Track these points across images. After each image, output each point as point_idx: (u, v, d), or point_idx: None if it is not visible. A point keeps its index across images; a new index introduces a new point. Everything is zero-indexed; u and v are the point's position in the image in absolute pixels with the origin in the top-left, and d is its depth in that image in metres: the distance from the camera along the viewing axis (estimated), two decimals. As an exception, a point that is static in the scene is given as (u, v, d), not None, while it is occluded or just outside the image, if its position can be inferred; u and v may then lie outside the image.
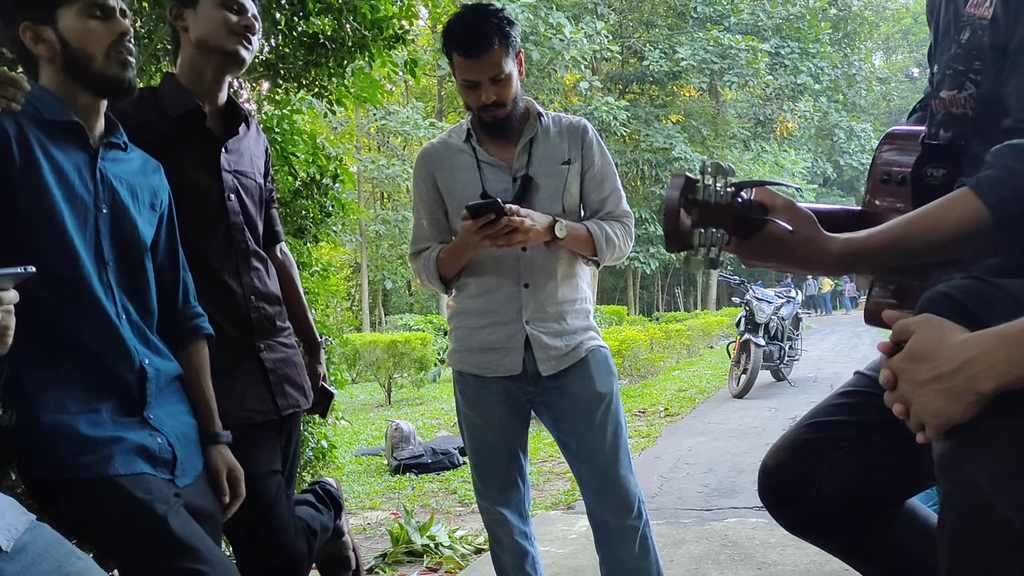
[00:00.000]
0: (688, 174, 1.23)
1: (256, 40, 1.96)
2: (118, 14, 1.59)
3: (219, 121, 2.00)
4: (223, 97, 2.00)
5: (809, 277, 28.06)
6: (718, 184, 1.19)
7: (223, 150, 1.96)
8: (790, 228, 1.21)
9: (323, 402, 2.33)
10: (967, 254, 1.19)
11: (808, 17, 26.50)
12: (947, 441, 1.02)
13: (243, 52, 1.92)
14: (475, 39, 2.04)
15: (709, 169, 1.19)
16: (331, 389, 2.36)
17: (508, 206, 2.00)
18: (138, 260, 1.66)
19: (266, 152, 2.17)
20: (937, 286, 1.13)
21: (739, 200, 1.21)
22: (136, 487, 1.51)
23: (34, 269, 1.21)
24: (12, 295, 1.21)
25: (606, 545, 2.24)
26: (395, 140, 25.47)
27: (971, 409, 0.96)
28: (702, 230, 1.18)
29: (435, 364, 12.99)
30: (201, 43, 1.91)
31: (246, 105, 3.67)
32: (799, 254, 1.23)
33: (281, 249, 2.25)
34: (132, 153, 1.71)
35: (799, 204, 1.26)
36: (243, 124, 2.03)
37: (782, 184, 1.25)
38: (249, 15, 1.92)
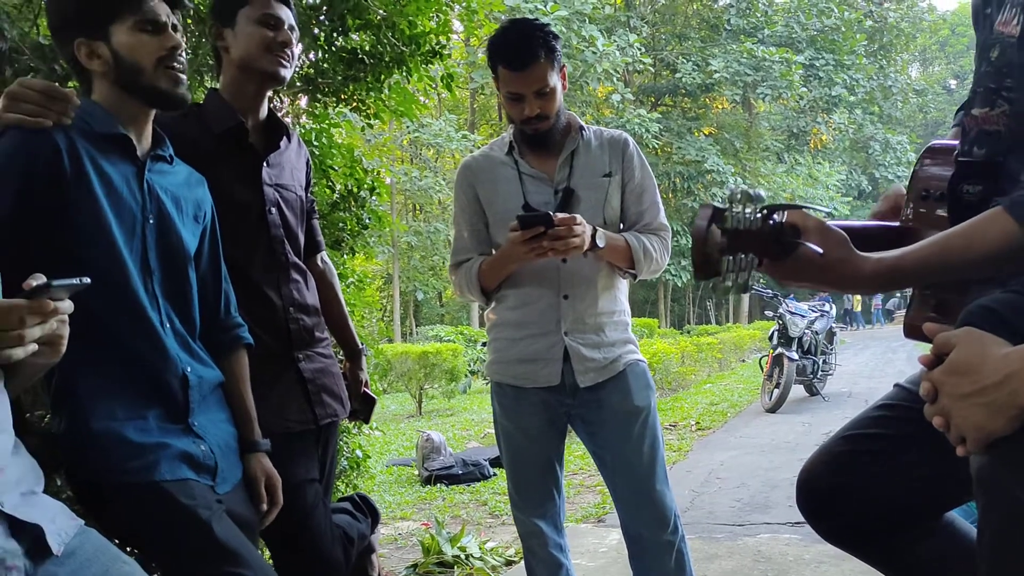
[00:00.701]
0: (715, 204, 1.24)
1: (295, 53, 1.99)
2: (169, 29, 1.63)
3: (261, 135, 2.03)
4: (264, 112, 2.04)
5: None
6: (747, 210, 1.20)
7: (265, 164, 2.00)
8: (820, 251, 1.21)
9: (365, 408, 2.36)
10: (1003, 272, 1.18)
11: (843, 29, 26.33)
12: (987, 455, 1.02)
13: (282, 71, 1.95)
14: (521, 52, 2.07)
15: (738, 196, 1.20)
16: (373, 395, 2.38)
17: (560, 215, 2.02)
18: (182, 270, 1.70)
19: (307, 164, 2.20)
20: (978, 300, 1.13)
21: (771, 223, 1.22)
22: (181, 493, 1.54)
23: (89, 280, 1.24)
24: (67, 305, 1.24)
25: (641, 560, 2.24)
26: (427, 152, 25.62)
27: (1013, 423, 0.96)
28: (731, 257, 1.20)
29: (465, 375, 13.02)
30: (241, 63, 1.95)
31: (286, 119, 3.73)
32: (832, 275, 1.23)
33: (322, 258, 2.29)
34: (178, 166, 1.75)
35: (832, 224, 1.26)
36: (285, 137, 2.07)
37: (814, 207, 1.26)
38: (285, 28, 1.95)
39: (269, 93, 2.04)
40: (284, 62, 1.95)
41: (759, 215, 1.20)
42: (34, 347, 1.20)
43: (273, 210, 1.99)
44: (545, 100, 2.12)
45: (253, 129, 2.00)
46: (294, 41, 1.99)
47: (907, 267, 1.21)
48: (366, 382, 2.37)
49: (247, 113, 1.98)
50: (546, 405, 2.22)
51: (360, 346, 2.38)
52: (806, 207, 1.25)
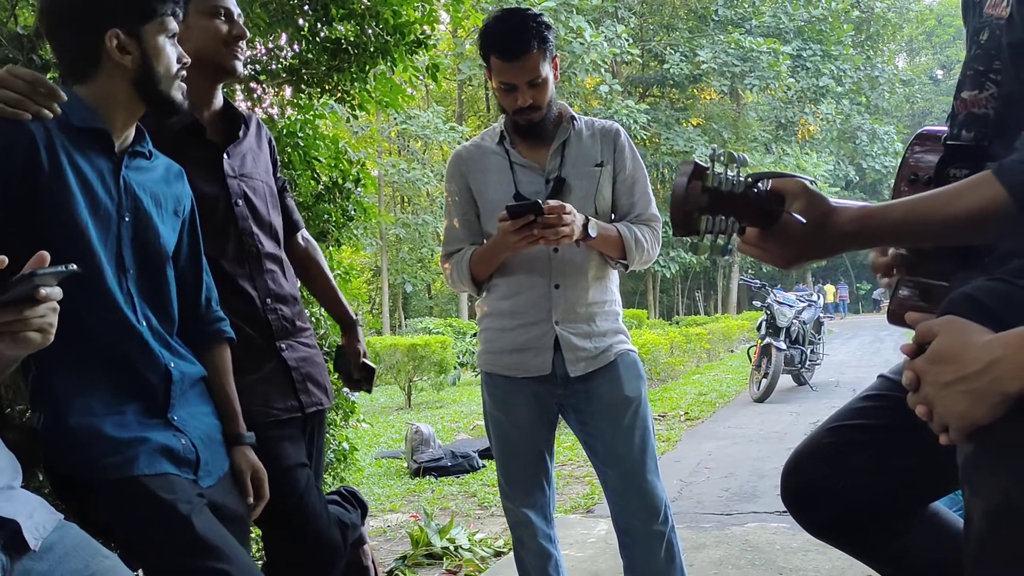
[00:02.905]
0: (698, 160, 1.22)
1: (246, 46, 1.98)
2: (177, 41, 1.64)
3: (219, 128, 2.00)
4: (219, 102, 2.01)
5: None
6: (730, 172, 1.18)
7: (225, 156, 1.97)
8: (803, 220, 1.20)
9: (367, 377, 2.34)
10: (986, 238, 1.17)
11: (830, 19, 26.38)
12: (971, 444, 1.02)
13: (238, 64, 1.94)
14: (514, 42, 2.06)
15: (721, 156, 1.18)
16: (372, 364, 2.37)
17: (550, 203, 2.01)
18: (159, 268, 1.67)
19: (270, 144, 2.17)
20: (961, 287, 1.12)
21: (755, 191, 1.21)
22: (160, 487, 1.53)
23: (76, 267, 1.22)
24: (57, 291, 1.23)
25: (631, 550, 2.24)
26: (415, 144, 25.56)
27: (996, 411, 0.96)
28: (709, 217, 1.18)
29: (455, 367, 13.02)
30: (195, 57, 1.87)
31: (270, 111, 3.70)
32: (816, 238, 1.22)
33: (303, 236, 2.27)
34: (156, 160, 1.73)
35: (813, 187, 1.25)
36: (243, 126, 2.04)
37: (799, 177, 1.24)
38: (236, 17, 1.93)
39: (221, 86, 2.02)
40: (240, 55, 1.93)
41: (744, 181, 1.19)
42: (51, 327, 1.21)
43: (240, 202, 1.97)
44: (537, 90, 2.11)
45: (209, 122, 1.97)
46: (245, 30, 1.96)
47: (889, 218, 1.19)
48: (364, 352, 2.35)
49: (201, 107, 1.95)
50: (537, 395, 2.22)
51: (355, 316, 2.36)
52: (790, 175, 1.24)
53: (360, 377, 2.31)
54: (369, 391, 2.40)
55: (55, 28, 1.61)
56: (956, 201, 1.14)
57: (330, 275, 2.34)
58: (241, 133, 2.03)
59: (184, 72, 1.65)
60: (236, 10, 1.94)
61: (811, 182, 1.23)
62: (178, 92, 1.64)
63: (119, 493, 1.51)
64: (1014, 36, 1.21)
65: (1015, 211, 1.08)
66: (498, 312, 2.25)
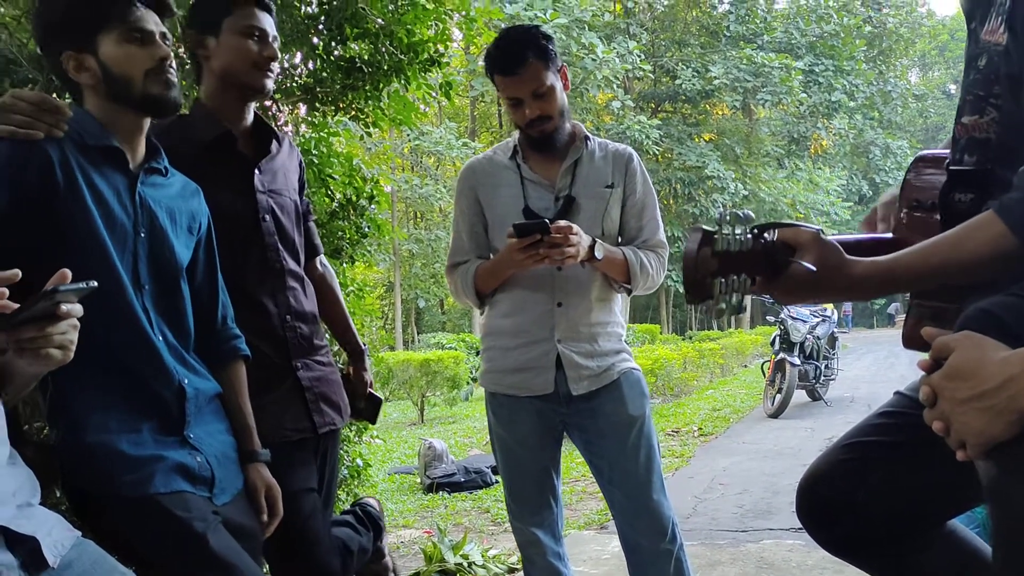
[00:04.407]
0: (705, 227, 1.24)
1: (278, 64, 1.98)
2: (158, 38, 1.61)
3: (250, 142, 2.02)
4: (250, 118, 2.02)
5: None
6: (737, 231, 1.20)
7: (257, 171, 1.98)
8: (813, 268, 1.21)
9: (371, 407, 2.35)
10: (994, 276, 1.18)
11: (842, 35, 26.33)
12: (990, 461, 1.01)
13: (268, 84, 1.95)
14: (511, 57, 2.09)
15: (727, 218, 1.20)
16: (378, 396, 2.37)
17: (559, 223, 2.01)
18: (174, 283, 1.68)
19: (300, 166, 2.18)
20: (976, 303, 1.12)
21: (762, 241, 1.22)
22: (176, 505, 1.53)
23: (96, 284, 1.24)
24: (78, 308, 1.25)
25: (640, 569, 2.23)
26: (428, 160, 25.62)
27: (1013, 428, 0.96)
28: (722, 280, 1.19)
29: (467, 383, 13.00)
30: (224, 75, 1.92)
31: (286, 128, 3.73)
32: (827, 287, 1.23)
33: (321, 261, 2.28)
34: (172, 178, 1.74)
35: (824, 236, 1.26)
36: (275, 142, 2.05)
37: (804, 225, 1.26)
38: (270, 40, 1.93)
39: (253, 105, 2.03)
40: (270, 76, 1.94)
41: (750, 235, 1.20)
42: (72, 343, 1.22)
43: (267, 217, 1.98)
44: (544, 100, 2.12)
45: (241, 136, 1.98)
46: (278, 52, 1.97)
47: (899, 270, 1.21)
48: (371, 383, 2.36)
49: (233, 122, 1.96)
50: (540, 414, 2.22)
51: (363, 347, 2.37)
52: (797, 224, 1.25)
53: (364, 407, 2.31)
54: (373, 421, 2.41)
55: (44, 58, 1.65)
56: (962, 245, 1.15)
57: (343, 303, 2.35)
58: (273, 149, 2.04)
59: (171, 70, 1.62)
60: (272, 32, 1.94)
61: (820, 231, 1.24)
62: (158, 87, 1.60)
63: (135, 511, 1.52)
64: (1011, 68, 1.22)
65: (1021, 249, 1.08)
66: (500, 331, 2.25)
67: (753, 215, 1.22)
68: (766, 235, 1.22)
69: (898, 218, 1.46)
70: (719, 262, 1.20)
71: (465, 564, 3.74)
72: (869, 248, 1.40)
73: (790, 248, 1.23)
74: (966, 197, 1.33)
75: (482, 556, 3.82)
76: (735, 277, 1.19)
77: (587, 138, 2.26)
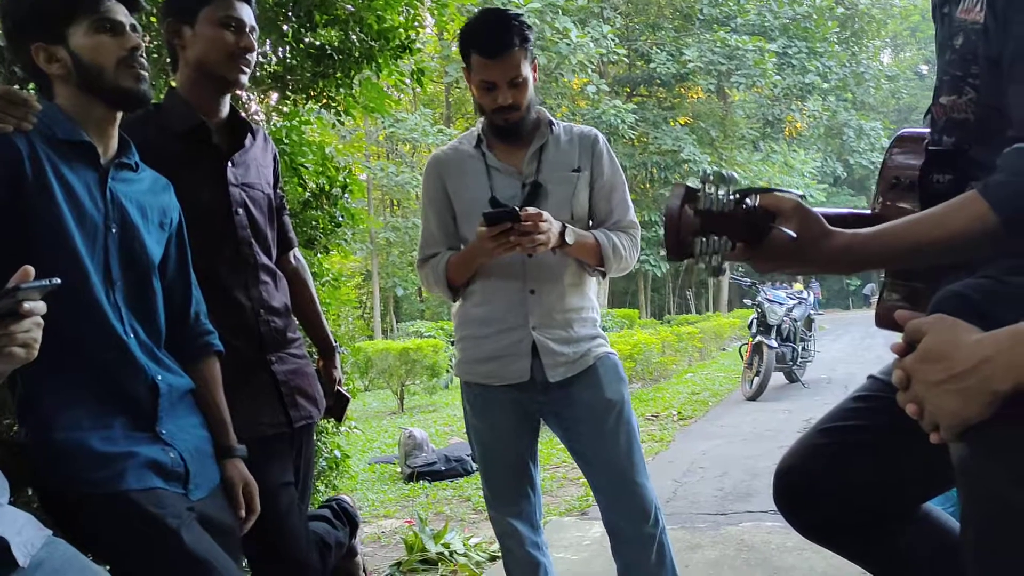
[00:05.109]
0: (688, 183, 1.22)
1: (255, 56, 1.95)
2: (128, 29, 1.60)
3: (225, 134, 1.99)
4: (226, 110, 1.99)
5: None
6: (720, 192, 1.18)
7: (230, 163, 1.96)
8: (793, 235, 1.20)
9: (339, 406, 2.34)
10: (973, 256, 1.18)
11: (815, 16, 26.43)
12: (963, 443, 1.01)
13: (243, 78, 1.92)
14: (496, 40, 2.06)
15: (711, 177, 1.18)
16: (346, 394, 2.36)
17: (527, 210, 2.00)
18: (146, 279, 1.66)
19: (274, 159, 2.16)
20: (949, 286, 1.12)
21: (744, 206, 1.20)
22: (148, 502, 1.52)
23: (59, 281, 1.22)
24: (41, 306, 1.23)
25: (622, 553, 2.23)
26: (404, 147, 25.52)
27: (987, 409, 0.96)
28: (703, 239, 1.18)
29: (447, 371, 12.99)
30: (199, 65, 1.89)
31: (255, 116, 3.68)
32: (807, 256, 1.23)
33: (294, 255, 2.26)
34: (143, 173, 1.72)
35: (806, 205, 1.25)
36: (249, 135, 2.03)
37: (786, 191, 1.24)
38: (247, 31, 1.90)
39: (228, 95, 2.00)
40: (245, 68, 1.91)
41: (733, 199, 1.19)
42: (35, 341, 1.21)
43: (240, 211, 1.95)
44: (517, 90, 2.10)
45: (216, 128, 1.96)
46: (255, 45, 1.94)
47: (879, 244, 1.20)
48: (340, 380, 2.34)
49: (208, 113, 1.94)
50: (516, 403, 2.21)
51: (334, 344, 2.35)
52: (779, 190, 1.24)
53: (332, 405, 2.30)
54: (339, 420, 2.39)
55: (10, 50, 1.62)
56: (943, 224, 1.15)
57: (316, 298, 2.33)
58: (247, 142, 2.01)
59: (141, 60, 1.61)
60: (249, 22, 1.91)
61: (802, 197, 1.23)
62: (129, 80, 1.58)
63: (107, 508, 1.50)
64: (990, 49, 1.21)
65: (1001, 230, 1.08)
66: (473, 320, 2.23)
67: (737, 176, 1.21)
68: (748, 200, 1.20)
69: (877, 197, 1.46)
70: (701, 221, 1.18)
71: (447, 553, 3.74)
72: (851, 223, 1.40)
73: (771, 215, 1.22)
74: (944, 177, 1.33)
75: (463, 544, 3.83)
76: (716, 238, 1.18)
77: (551, 123, 2.25)
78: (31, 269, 1.21)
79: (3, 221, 1.46)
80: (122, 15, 1.60)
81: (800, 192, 1.25)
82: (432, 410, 11.16)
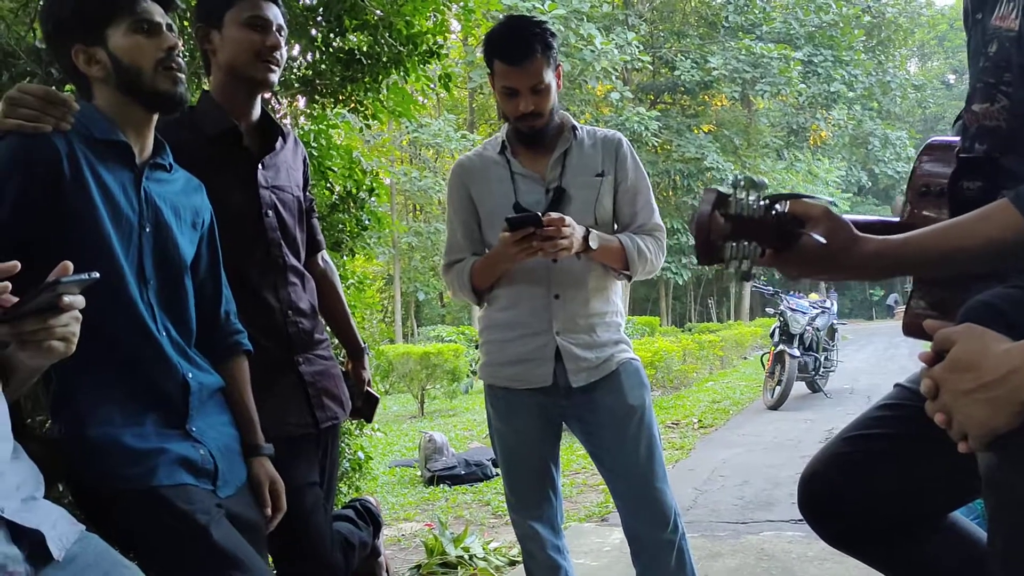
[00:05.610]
0: (720, 188, 1.23)
1: (284, 55, 1.97)
2: (164, 29, 1.62)
3: (256, 137, 2.02)
4: (257, 113, 2.02)
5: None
6: (751, 198, 1.19)
7: (260, 166, 1.98)
8: (823, 240, 1.20)
9: (368, 406, 2.35)
10: (1002, 265, 1.18)
11: (841, 25, 26.26)
12: (993, 454, 1.01)
13: (271, 76, 1.94)
14: (518, 47, 2.07)
15: (742, 182, 1.19)
16: (375, 395, 2.38)
17: (549, 215, 2.01)
18: (178, 278, 1.69)
19: (304, 163, 2.18)
20: (978, 296, 1.12)
21: (774, 212, 1.21)
22: (179, 498, 1.54)
23: (98, 275, 1.24)
24: (80, 300, 1.25)
25: (642, 559, 2.23)
26: (427, 152, 25.60)
27: (1016, 419, 0.96)
28: (733, 244, 1.19)
29: (467, 375, 13.02)
30: (229, 68, 1.92)
31: (284, 120, 3.72)
32: (836, 263, 1.23)
33: (323, 258, 2.28)
34: (176, 173, 1.74)
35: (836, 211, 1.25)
36: (280, 138, 2.05)
37: (816, 198, 1.24)
38: (274, 30, 1.92)
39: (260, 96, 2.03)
40: (274, 67, 1.93)
41: (763, 205, 1.19)
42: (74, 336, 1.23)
43: (270, 213, 1.98)
44: (540, 97, 2.11)
45: (247, 131, 1.98)
46: (283, 42, 1.95)
47: (908, 251, 1.20)
48: (369, 381, 2.36)
49: (240, 116, 1.96)
50: (540, 407, 2.22)
51: (363, 345, 2.37)
52: (809, 197, 1.24)
53: (362, 406, 2.32)
54: (369, 420, 2.41)
55: (50, 52, 1.65)
56: (974, 232, 1.14)
57: (344, 300, 2.35)
58: (278, 145, 2.04)
59: (179, 60, 1.63)
60: (277, 21, 1.93)
61: (832, 204, 1.24)
62: (167, 83, 1.61)
63: (138, 504, 1.52)
64: (1022, 55, 1.21)
65: None
66: (497, 324, 2.25)
67: (767, 181, 1.21)
68: (778, 206, 1.21)
69: (906, 204, 1.46)
70: (731, 226, 1.19)
71: (466, 557, 3.75)
72: (879, 230, 1.40)
73: (800, 221, 1.22)
74: (974, 185, 1.33)
75: (483, 549, 3.83)
76: (745, 243, 1.18)
77: (575, 128, 2.26)
78: (70, 264, 1.23)
79: (42, 219, 1.49)
80: (158, 15, 1.62)
81: (830, 199, 1.25)
82: (452, 414, 11.18)
